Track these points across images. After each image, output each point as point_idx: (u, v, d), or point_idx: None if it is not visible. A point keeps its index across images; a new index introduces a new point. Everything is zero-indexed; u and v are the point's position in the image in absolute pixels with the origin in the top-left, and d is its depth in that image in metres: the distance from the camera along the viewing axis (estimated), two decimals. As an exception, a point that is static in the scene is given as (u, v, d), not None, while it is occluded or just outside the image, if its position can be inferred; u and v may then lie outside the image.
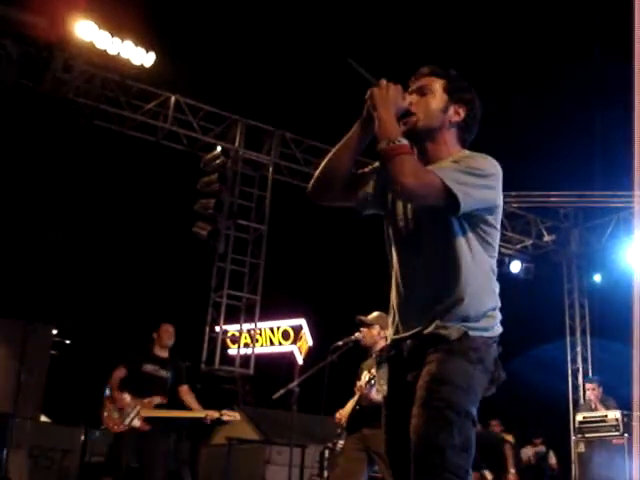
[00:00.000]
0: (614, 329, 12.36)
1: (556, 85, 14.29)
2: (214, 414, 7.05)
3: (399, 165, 2.46)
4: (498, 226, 2.73)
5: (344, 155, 2.73)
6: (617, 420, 10.14)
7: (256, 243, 12.16)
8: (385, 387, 2.73)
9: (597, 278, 14.50)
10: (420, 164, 2.57)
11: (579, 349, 14.53)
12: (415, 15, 13.55)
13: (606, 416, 10.25)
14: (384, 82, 2.60)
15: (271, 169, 12.38)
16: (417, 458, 2.41)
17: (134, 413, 6.92)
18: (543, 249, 14.69)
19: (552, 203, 14.12)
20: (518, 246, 14.38)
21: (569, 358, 14.50)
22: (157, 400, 7.05)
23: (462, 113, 2.75)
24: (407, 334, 2.66)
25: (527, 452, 11.70)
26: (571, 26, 13.17)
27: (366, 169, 2.88)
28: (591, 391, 10.49)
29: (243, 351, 12.15)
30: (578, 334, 14.63)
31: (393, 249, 2.79)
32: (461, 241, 2.60)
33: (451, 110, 2.73)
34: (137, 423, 6.92)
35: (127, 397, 7.02)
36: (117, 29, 10.77)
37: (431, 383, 2.47)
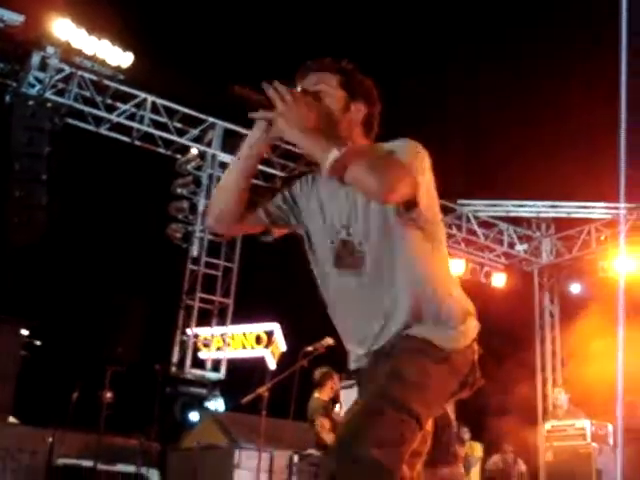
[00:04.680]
0: (585, 339, 12.49)
1: (533, 94, 14.44)
2: None
3: (367, 166, 2.20)
4: (439, 219, 2.52)
5: (238, 180, 2.45)
6: (584, 429, 10.23)
7: (230, 247, 12.15)
8: None
9: (571, 287, 14.64)
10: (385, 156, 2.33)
11: (549, 358, 14.65)
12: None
13: (574, 425, 10.35)
14: (280, 97, 2.26)
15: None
16: (337, 443, 2.27)
17: None
18: (515, 258, 14.80)
19: (525, 212, 14.26)
20: (490, 255, 14.48)
21: (539, 367, 14.62)
22: None
23: (363, 109, 2.50)
24: (367, 352, 2.49)
25: (495, 460, 11.74)
26: (559, 39, 13.33)
27: (272, 185, 2.71)
28: (563, 397, 10.60)
29: (215, 355, 12.10)
30: (548, 343, 14.76)
31: (326, 266, 2.50)
32: (407, 241, 2.39)
33: (352, 108, 2.47)
34: None
35: None
36: (94, 28, 10.72)
37: (379, 376, 2.31)
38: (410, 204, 2.31)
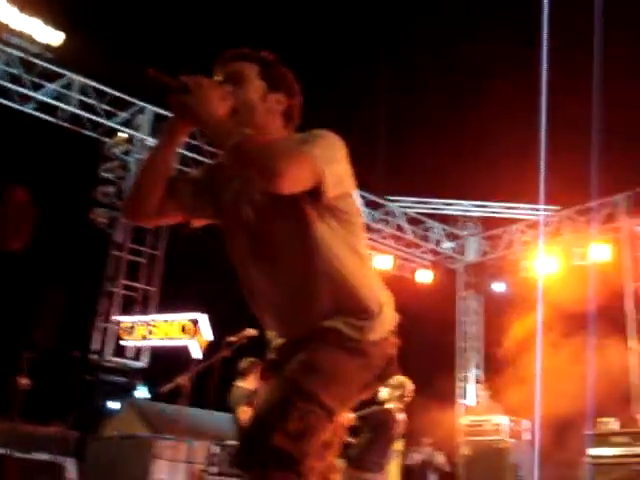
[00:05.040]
0: (507, 336, 12.75)
1: (464, 98, 14.65)
2: None
3: (261, 152, 2.20)
4: (356, 209, 2.46)
5: (157, 168, 2.43)
6: (500, 425, 10.46)
7: (155, 234, 11.98)
8: None
9: (494, 286, 14.93)
10: (283, 144, 2.33)
11: (471, 354, 14.89)
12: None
13: (490, 420, 10.57)
14: (196, 83, 2.27)
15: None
16: (245, 432, 2.24)
17: None
18: (441, 255, 15.00)
19: (452, 211, 14.49)
20: (417, 251, 14.64)
21: (460, 363, 14.85)
22: None
23: (283, 100, 2.49)
24: (284, 343, 2.49)
25: (415, 453, 11.88)
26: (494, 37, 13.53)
27: (190, 175, 2.65)
28: (482, 394, 10.84)
29: (138, 343, 11.95)
30: (471, 340, 15.01)
31: (243, 257, 2.48)
32: (320, 232, 2.35)
33: (271, 99, 2.46)
34: None
35: None
36: (26, 5, 10.45)
37: (293, 367, 2.30)
38: (315, 194, 2.27)
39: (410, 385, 6.56)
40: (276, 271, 2.41)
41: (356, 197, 2.49)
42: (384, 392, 6.38)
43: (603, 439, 9.83)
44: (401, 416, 6.54)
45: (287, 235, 2.37)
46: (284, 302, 2.43)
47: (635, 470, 9.34)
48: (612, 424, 10.13)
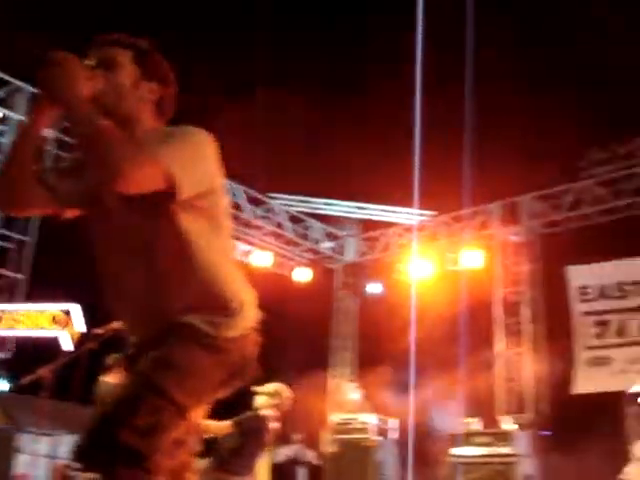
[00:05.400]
0: (380, 336, 13.00)
1: (344, 99, 14.80)
2: None
3: (107, 148, 2.12)
4: (222, 205, 2.46)
5: (24, 150, 2.36)
6: (367, 424, 10.66)
7: (25, 219, 11.53)
8: None
9: (369, 287, 15.17)
10: (131, 144, 2.24)
11: (345, 354, 15.08)
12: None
13: (358, 419, 10.75)
14: (59, 57, 2.21)
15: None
16: (91, 426, 2.17)
17: None
18: (320, 255, 15.12)
19: (332, 211, 14.66)
20: (297, 249, 14.71)
21: (333, 362, 15.00)
22: None
23: (156, 90, 2.46)
24: (140, 338, 2.46)
25: (284, 450, 11.94)
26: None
27: (61, 164, 2.58)
28: (355, 392, 11.01)
29: (4, 333, 11.50)
30: (346, 339, 15.18)
31: (104, 248, 2.45)
32: (183, 226, 2.32)
33: (143, 87, 2.42)
34: None
35: None
36: None
37: (146, 362, 2.26)
38: (170, 193, 2.23)
39: (287, 393, 6.55)
40: (137, 264, 2.37)
41: (224, 193, 2.47)
42: (260, 399, 6.36)
43: (466, 439, 10.20)
44: (275, 424, 6.52)
45: (149, 228, 2.33)
46: (143, 296, 2.39)
47: (496, 470, 9.72)
48: (475, 424, 10.52)
